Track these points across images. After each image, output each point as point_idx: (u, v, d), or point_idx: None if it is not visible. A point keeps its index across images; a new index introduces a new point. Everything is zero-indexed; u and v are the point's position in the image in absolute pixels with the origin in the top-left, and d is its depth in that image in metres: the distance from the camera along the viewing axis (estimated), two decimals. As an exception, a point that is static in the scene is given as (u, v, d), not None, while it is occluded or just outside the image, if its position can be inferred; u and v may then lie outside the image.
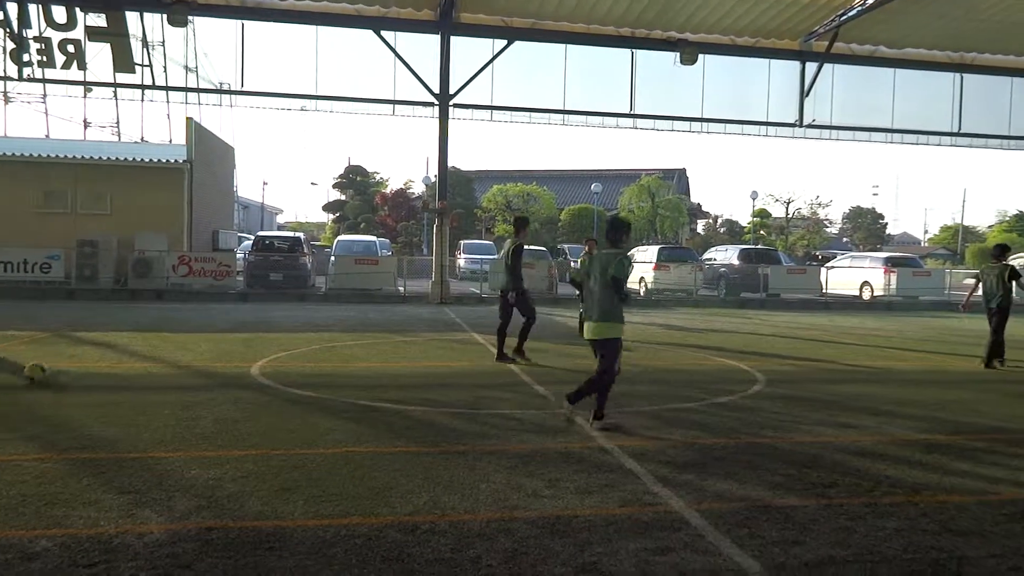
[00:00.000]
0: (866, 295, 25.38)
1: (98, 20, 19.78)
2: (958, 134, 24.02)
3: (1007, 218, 63.27)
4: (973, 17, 20.04)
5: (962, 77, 23.50)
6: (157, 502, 4.32)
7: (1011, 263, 11.14)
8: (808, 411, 7.36)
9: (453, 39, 20.68)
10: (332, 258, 23.95)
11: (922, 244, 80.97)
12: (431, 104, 20.93)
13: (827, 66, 22.30)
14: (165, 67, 21.49)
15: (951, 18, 20.15)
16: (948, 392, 8.72)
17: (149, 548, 3.69)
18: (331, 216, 54.90)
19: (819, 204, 58.25)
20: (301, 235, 26.75)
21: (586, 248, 12.82)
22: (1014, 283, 10.76)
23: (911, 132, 23.98)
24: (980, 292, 11.21)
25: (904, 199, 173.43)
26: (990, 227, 65.53)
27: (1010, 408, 7.78)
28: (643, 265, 25.94)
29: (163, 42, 21.94)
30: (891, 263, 26.20)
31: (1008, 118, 24.05)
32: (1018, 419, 7.23)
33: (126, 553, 3.63)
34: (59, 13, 19.39)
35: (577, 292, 7.06)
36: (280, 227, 64.80)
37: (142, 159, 23.16)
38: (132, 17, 19.90)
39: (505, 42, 20.83)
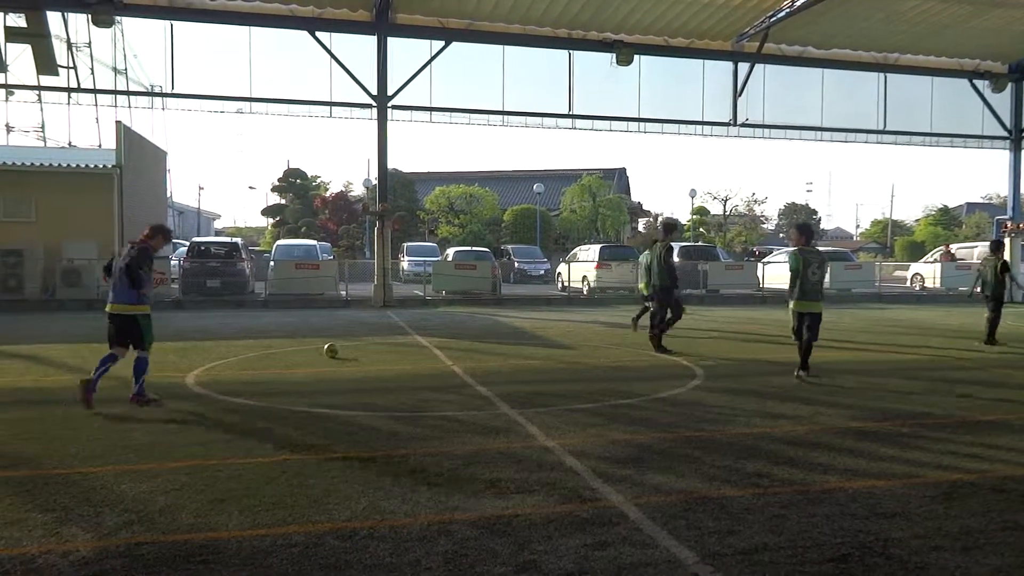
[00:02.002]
0: (801, 289, 26.07)
1: (18, 20, 19.04)
2: (884, 132, 24.93)
3: (933, 212, 65.89)
4: (895, 19, 20.83)
5: (886, 77, 24.38)
6: (84, 519, 4.17)
7: (1004, 258, 13.25)
8: (745, 403, 7.52)
9: (390, 40, 20.53)
10: (271, 263, 23.51)
11: (854, 238, 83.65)
12: (369, 106, 20.74)
13: (758, 66, 22.87)
14: (92, 69, 20.87)
15: (874, 20, 20.90)
16: (879, 380, 9.02)
17: (74, 567, 3.56)
18: (270, 220, 53.93)
19: (755, 201, 59.95)
20: (239, 240, 26.20)
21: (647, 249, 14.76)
22: (1006, 275, 12.96)
23: (839, 130, 24.79)
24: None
25: (836, 195, 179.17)
26: (917, 221, 68.14)
27: (935, 395, 8.09)
28: (585, 264, 26.23)
29: (89, 43, 21.30)
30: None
31: (929, 116, 25.05)
32: (942, 405, 7.52)
33: (50, 573, 3.49)
34: (-25, 13, 18.65)
35: (790, 287, 9.16)
36: (217, 233, 63.36)
37: (69, 164, 22.34)
38: (54, 17, 19.23)
39: (443, 43, 20.78)
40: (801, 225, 9.51)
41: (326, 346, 10.86)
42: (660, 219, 15.08)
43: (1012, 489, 4.79)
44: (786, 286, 9.18)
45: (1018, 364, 10.57)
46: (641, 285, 14.39)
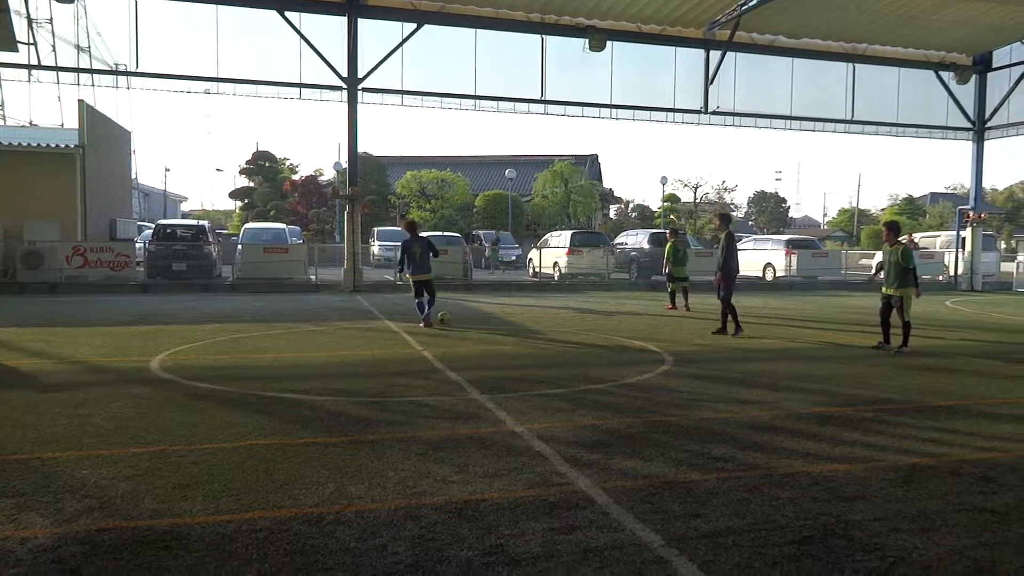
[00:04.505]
0: (769, 276, 26.44)
1: (-25, -5, 18.45)
2: (851, 121, 25.24)
3: (898, 201, 67.02)
4: (864, 10, 21.04)
5: (854, 67, 24.67)
6: (43, 505, 4.09)
7: None
8: (712, 389, 7.60)
9: (361, 21, 20.29)
10: (239, 247, 23.22)
11: (822, 227, 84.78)
12: (339, 88, 20.51)
13: (730, 54, 22.99)
14: (54, 46, 20.32)
15: (844, 10, 21.09)
16: (842, 366, 9.18)
17: (33, 553, 3.49)
18: (239, 203, 53.20)
19: (725, 189, 60.56)
20: (205, 223, 25.81)
21: (670, 237, 17.23)
22: None
23: (808, 119, 25.04)
24: None
25: (805, 184, 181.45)
26: (883, 210, 69.25)
27: (897, 380, 8.25)
28: (556, 250, 26.28)
29: (50, 19, 20.72)
30: (792, 245, 27.38)
31: (896, 107, 25.40)
32: (903, 390, 7.67)
33: (7, 560, 3.42)
34: (-71, -14, 18.01)
35: (873, 274, 11.51)
36: (184, 215, 62.41)
37: (30, 143, 21.83)
38: (13, -8, 18.66)
39: (414, 25, 20.57)
40: (889, 223, 11.08)
41: (439, 315, 12.72)
42: (717, 212, 18.47)
43: (969, 472, 4.91)
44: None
45: (978, 352, 10.82)
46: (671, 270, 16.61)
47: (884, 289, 10.65)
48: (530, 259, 28.45)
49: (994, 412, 6.73)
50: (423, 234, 14.08)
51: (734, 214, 63.52)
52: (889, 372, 8.77)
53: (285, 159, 53.28)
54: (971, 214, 26.03)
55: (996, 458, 5.25)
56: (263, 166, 51.03)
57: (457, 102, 22.21)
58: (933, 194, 73.04)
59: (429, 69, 21.76)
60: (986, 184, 26.03)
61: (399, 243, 28.92)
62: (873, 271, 11.32)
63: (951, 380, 8.37)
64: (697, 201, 57.27)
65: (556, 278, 25.39)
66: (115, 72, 19.96)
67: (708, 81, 23.26)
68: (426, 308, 12.59)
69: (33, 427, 5.73)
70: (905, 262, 10.28)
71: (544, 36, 21.96)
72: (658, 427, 6.01)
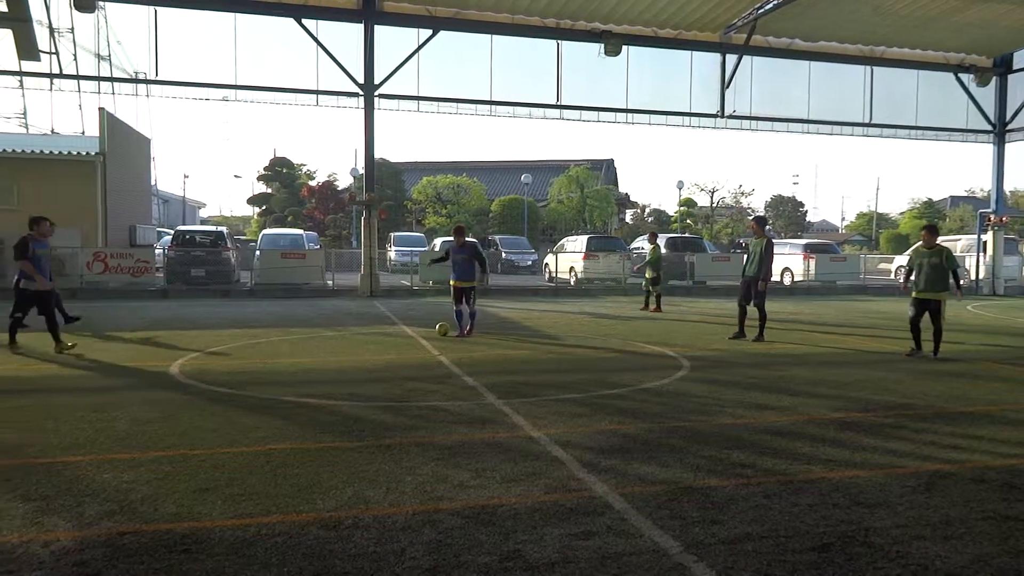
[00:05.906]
0: (787, 280, 26.28)
1: (-2, 5, 18.74)
2: (870, 125, 25.05)
3: (917, 205, 66.34)
4: (882, 12, 20.91)
5: (872, 70, 24.50)
6: (66, 508, 4.14)
7: None
8: (730, 394, 7.55)
9: (377, 28, 20.41)
10: (257, 252, 23.40)
11: (840, 231, 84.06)
12: (356, 95, 20.64)
13: (746, 58, 22.92)
14: (75, 55, 20.57)
15: (862, 13, 20.96)
16: (862, 371, 9.08)
17: (55, 556, 3.53)
18: (257, 209, 53.60)
19: (742, 193, 60.14)
20: (224, 229, 26.03)
21: (649, 242, 17.84)
22: None
23: (826, 123, 24.89)
24: None
25: (823, 188, 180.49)
26: (902, 214, 68.60)
27: (917, 386, 8.16)
28: (573, 255, 26.26)
29: (72, 29, 20.98)
30: (810, 249, 27.21)
31: (915, 110, 25.17)
32: (924, 396, 7.59)
33: (30, 562, 3.46)
34: (-46, -3, 18.32)
35: (904, 276, 10.88)
36: (203, 221, 62.94)
37: (52, 151, 22.13)
38: (36, 2, 18.95)
39: (430, 32, 20.67)
40: (929, 226, 10.93)
41: (438, 325, 12.24)
42: (751, 217, 18.97)
43: (992, 479, 4.84)
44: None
45: (1000, 357, 10.68)
46: (649, 275, 17.19)
47: (915, 293, 10.38)
48: (546, 264, 28.45)
49: (1017, 418, 6.65)
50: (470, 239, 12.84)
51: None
52: (909, 377, 8.67)
53: (302, 165, 53.67)
54: (992, 217, 25.74)
55: (1020, 465, 5.18)
56: (281, 172, 51.42)
57: (473, 107, 22.28)
58: (953, 197, 72.30)
59: (445, 75, 21.87)
60: (1007, 187, 25.72)
61: (415, 248, 28.98)
62: (903, 278, 10.92)
63: (973, 386, 8.27)
64: (714, 205, 56.99)
65: (572, 283, 25.36)
66: (135, 80, 20.20)
67: (724, 85, 23.19)
68: (464, 317, 12.10)
69: (55, 431, 5.80)
70: (949, 264, 10.15)
71: (560, 41, 22.01)
72: (676, 432, 5.98)
